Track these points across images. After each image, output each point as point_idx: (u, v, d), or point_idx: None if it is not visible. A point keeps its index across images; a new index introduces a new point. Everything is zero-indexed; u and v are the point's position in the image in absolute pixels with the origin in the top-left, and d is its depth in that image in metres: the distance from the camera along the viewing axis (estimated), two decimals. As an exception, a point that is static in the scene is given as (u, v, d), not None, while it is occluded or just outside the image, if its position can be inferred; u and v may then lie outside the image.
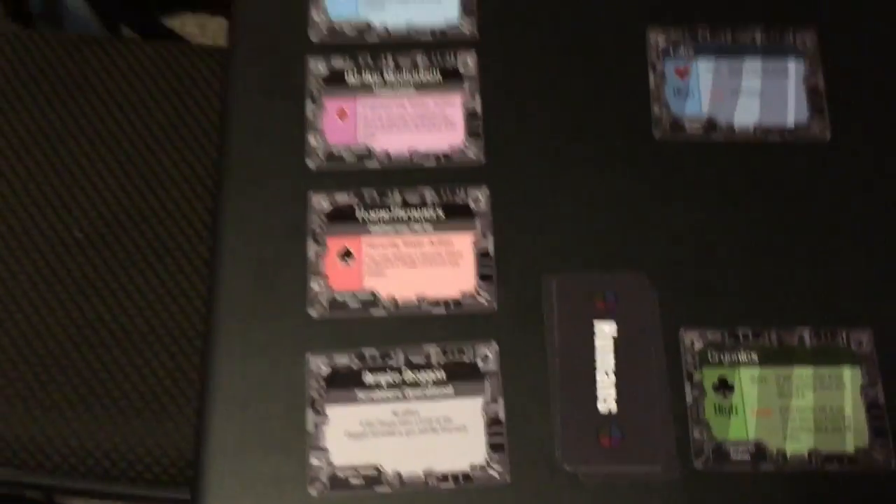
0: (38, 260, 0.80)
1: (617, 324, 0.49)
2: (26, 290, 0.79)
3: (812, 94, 0.55)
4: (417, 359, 0.48)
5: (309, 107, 0.54)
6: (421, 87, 0.55)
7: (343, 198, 0.52)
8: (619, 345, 0.48)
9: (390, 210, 0.51)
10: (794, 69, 0.55)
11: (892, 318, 0.50)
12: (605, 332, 0.48)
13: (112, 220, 0.81)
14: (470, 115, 0.54)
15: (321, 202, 0.51)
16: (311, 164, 0.53)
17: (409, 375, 0.47)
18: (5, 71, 0.90)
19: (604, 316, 0.49)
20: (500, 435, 0.46)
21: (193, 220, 0.82)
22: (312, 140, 0.53)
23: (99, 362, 0.75)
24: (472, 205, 0.52)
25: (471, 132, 0.54)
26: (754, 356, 0.48)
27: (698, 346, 0.49)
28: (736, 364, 0.48)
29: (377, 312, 0.49)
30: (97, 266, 0.80)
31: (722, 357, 0.48)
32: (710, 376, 0.48)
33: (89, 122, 0.85)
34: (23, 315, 0.78)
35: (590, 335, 0.48)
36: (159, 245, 0.81)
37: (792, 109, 0.55)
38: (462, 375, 0.47)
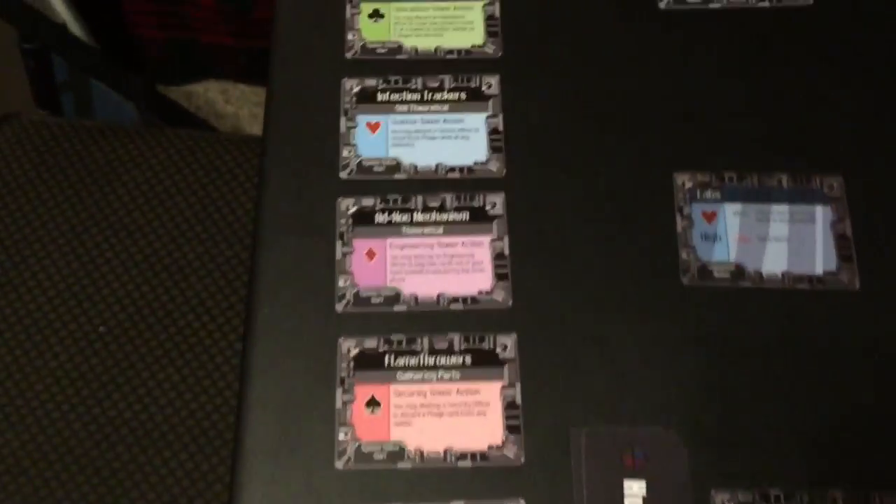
0: (61, 354, 0.81)
1: (647, 482, 0.48)
2: (48, 385, 0.80)
3: (840, 240, 0.55)
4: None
5: (339, 247, 0.54)
6: (449, 226, 0.55)
7: (371, 342, 0.52)
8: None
9: (418, 356, 0.51)
10: (821, 215, 0.56)
11: None
12: (634, 491, 0.48)
13: (136, 315, 0.82)
14: (497, 257, 0.54)
15: (349, 346, 0.52)
16: (338, 307, 0.53)
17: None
18: (32, 158, 0.92)
19: (633, 474, 0.49)
20: None
21: (217, 316, 0.82)
22: (341, 281, 0.53)
23: (119, 461, 0.75)
24: (499, 352, 0.52)
25: (498, 275, 0.54)
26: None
27: (727, 505, 0.48)
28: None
29: (403, 465, 0.49)
30: (120, 361, 0.80)
31: (752, 519, 0.48)
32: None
33: (115, 212, 0.87)
34: (44, 411, 0.79)
35: (619, 494, 0.48)
36: (182, 340, 0.82)
37: (820, 257, 0.55)
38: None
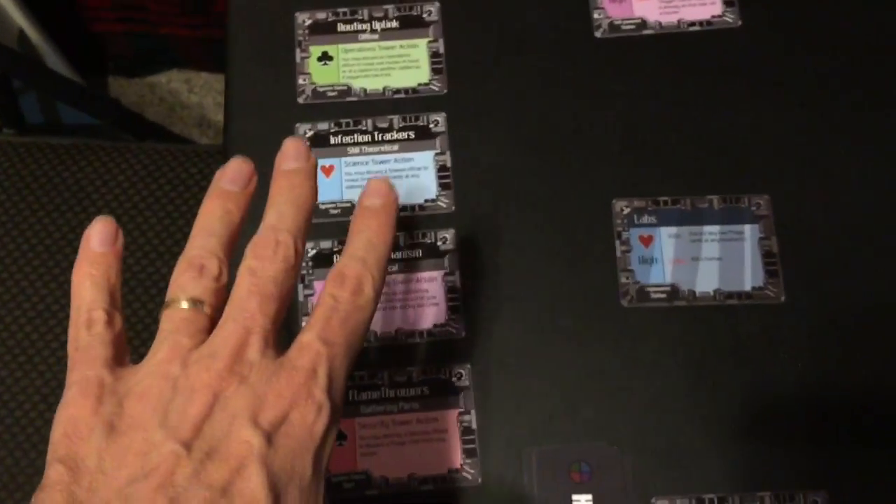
0: (46, 372, 0.85)
1: (593, 495, 0.53)
2: (35, 404, 0.84)
3: (767, 256, 0.59)
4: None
5: (301, 291, 0.58)
6: (404, 263, 0.59)
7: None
8: (595, 514, 0.53)
9: (380, 391, 0.56)
10: (749, 233, 0.60)
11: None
12: (581, 504, 0.53)
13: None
14: (450, 290, 0.58)
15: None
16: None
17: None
18: (1, 181, 0.94)
19: (580, 488, 0.54)
20: None
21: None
22: (305, 324, 0.57)
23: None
24: (455, 381, 0.56)
25: (451, 308, 0.58)
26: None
27: (667, 512, 0.54)
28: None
29: (370, 492, 0.54)
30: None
31: (688, 523, 0.53)
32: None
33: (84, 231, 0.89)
34: (34, 429, 0.82)
35: (567, 507, 0.53)
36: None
37: (749, 273, 0.59)
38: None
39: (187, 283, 0.40)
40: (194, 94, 1.55)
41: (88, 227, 0.43)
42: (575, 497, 0.53)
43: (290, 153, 0.44)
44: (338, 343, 0.39)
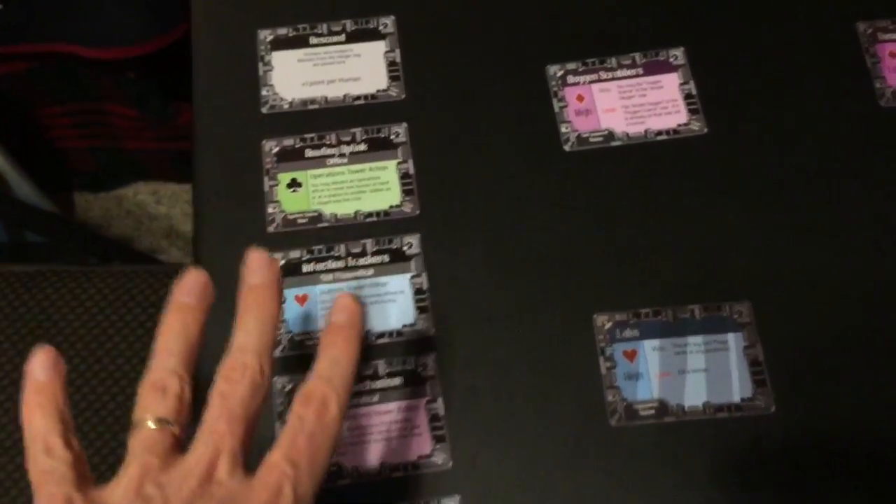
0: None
1: None
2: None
3: (753, 365, 0.58)
4: None
5: (277, 428, 0.56)
6: (384, 393, 0.57)
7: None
8: None
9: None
10: (734, 342, 0.59)
11: None
12: None
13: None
14: (433, 419, 0.56)
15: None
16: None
17: None
18: (-34, 312, 0.91)
19: None
20: None
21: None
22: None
23: None
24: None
25: (436, 437, 0.56)
26: None
27: None
28: None
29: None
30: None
31: None
32: None
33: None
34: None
35: None
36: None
37: (737, 384, 0.58)
38: None
39: (152, 404, 0.42)
40: (162, 205, 1.54)
41: (28, 361, 0.44)
42: None
43: (254, 266, 0.46)
44: (304, 462, 0.41)
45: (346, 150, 0.64)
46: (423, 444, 0.56)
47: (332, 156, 0.64)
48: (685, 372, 0.58)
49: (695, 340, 0.59)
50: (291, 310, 0.59)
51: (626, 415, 0.57)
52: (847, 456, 0.56)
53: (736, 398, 0.58)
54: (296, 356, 0.58)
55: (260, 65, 0.67)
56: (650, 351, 0.59)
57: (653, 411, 0.57)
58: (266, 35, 0.68)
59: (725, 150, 0.65)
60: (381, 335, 0.59)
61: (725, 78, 0.67)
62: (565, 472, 0.56)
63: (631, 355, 0.59)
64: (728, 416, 0.57)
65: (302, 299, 0.59)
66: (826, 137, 0.65)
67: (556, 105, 0.66)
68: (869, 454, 0.56)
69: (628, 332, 0.59)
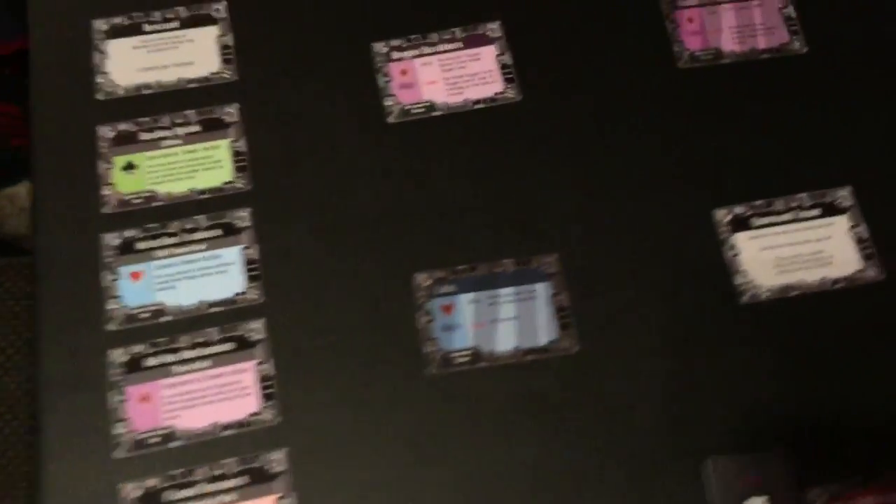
0: None
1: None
2: None
3: (559, 311, 0.64)
4: None
5: (112, 399, 0.59)
6: (216, 359, 0.61)
7: (152, 482, 0.57)
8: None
9: (195, 487, 0.57)
10: (542, 291, 0.64)
11: None
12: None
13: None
14: (263, 379, 0.61)
15: (131, 491, 0.57)
16: (118, 454, 0.58)
17: None
18: None
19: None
20: None
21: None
22: (119, 429, 0.59)
23: None
24: (272, 468, 0.58)
25: (266, 395, 0.60)
26: None
27: None
28: None
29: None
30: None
31: None
32: None
33: None
34: None
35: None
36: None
37: (543, 329, 0.63)
38: None
39: None
40: (15, 207, 1.54)
41: None
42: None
43: None
44: None
45: (181, 131, 0.67)
46: (252, 403, 0.60)
47: (167, 137, 0.67)
48: (497, 321, 0.63)
49: (507, 292, 0.64)
50: (126, 287, 0.62)
51: (442, 363, 0.62)
52: (645, 388, 0.62)
53: (543, 341, 0.63)
54: (131, 329, 0.61)
55: (95, 53, 0.70)
56: (466, 304, 0.64)
57: (467, 359, 0.62)
58: (101, 24, 0.71)
59: (538, 116, 0.70)
60: (215, 304, 0.62)
61: (539, 48, 0.71)
62: (387, 421, 0.60)
63: (448, 309, 0.63)
64: (536, 358, 0.62)
65: (137, 275, 0.63)
66: (630, 100, 0.70)
67: (381, 80, 0.70)
68: (663, 385, 0.62)
69: (446, 288, 0.64)
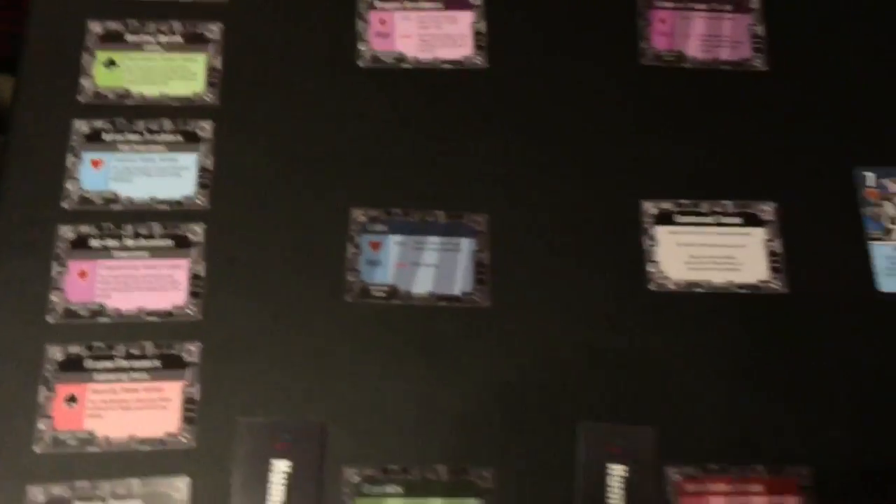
0: None
1: (292, 462, 0.61)
2: None
3: (479, 266, 0.68)
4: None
5: (54, 268, 0.65)
6: (154, 252, 0.66)
7: (75, 349, 0.63)
8: (291, 480, 0.61)
9: (114, 360, 0.63)
10: (466, 245, 0.69)
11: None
12: (280, 468, 0.61)
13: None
14: (194, 277, 0.66)
15: (55, 353, 0.63)
16: (50, 318, 0.64)
17: None
18: None
19: (281, 455, 0.61)
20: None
21: None
22: (54, 297, 0.64)
23: None
24: (185, 358, 0.64)
25: (193, 293, 0.65)
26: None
27: (356, 479, 0.61)
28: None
29: (92, 449, 0.61)
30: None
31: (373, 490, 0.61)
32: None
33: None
34: None
35: (267, 470, 0.61)
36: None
37: (460, 280, 0.68)
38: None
39: None
40: None
41: None
42: (274, 461, 0.61)
43: None
44: None
45: (164, 39, 0.72)
46: (180, 297, 0.65)
47: (150, 43, 0.72)
48: (419, 265, 0.68)
49: (433, 240, 0.69)
50: (86, 172, 0.67)
51: (360, 293, 0.67)
52: (543, 352, 0.66)
53: (457, 291, 0.67)
54: (85, 210, 0.67)
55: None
56: (393, 244, 0.68)
57: (384, 294, 0.67)
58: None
59: (498, 86, 0.74)
60: (163, 202, 0.67)
61: (514, 22, 0.75)
62: (300, 335, 0.65)
63: (375, 245, 0.68)
64: (447, 305, 0.67)
65: (97, 163, 0.68)
66: (587, 86, 0.74)
67: (360, 25, 0.75)
68: (559, 351, 0.66)
69: (378, 227, 0.69)
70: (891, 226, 0.72)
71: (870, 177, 0.73)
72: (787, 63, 0.76)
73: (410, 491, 0.62)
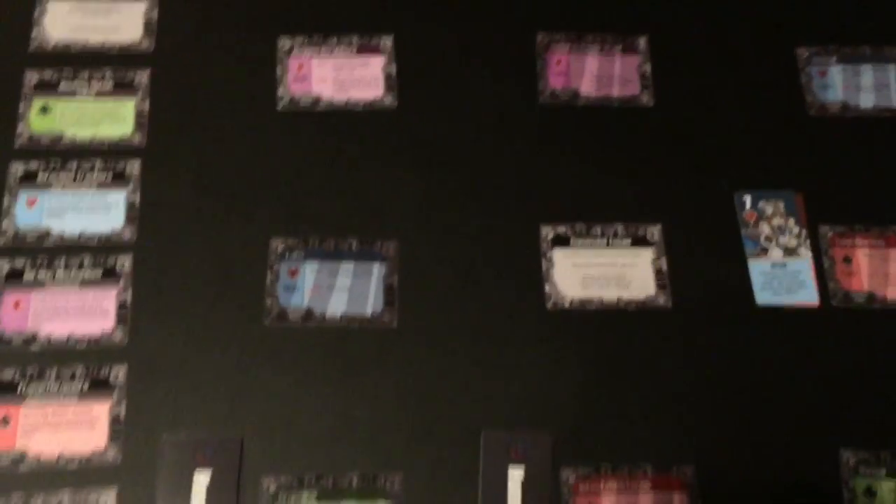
0: None
1: (212, 470, 0.66)
2: None
3: (388, 290, 0.74)
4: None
5: (-11, 299, 0.70)
6: (84, 282, 0.71)
7: (8, 374, 0.68)
8: (212, 491, 0.66)
9: (45, 384, 0.68)
10: (377, 270, 0.75)
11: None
12: (200, 481, 0.66)
13: None
14: (120, 307, 0.71)
15: (-10, 378, 0.67)
16: (-15, 347, 0.69)
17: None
18: None
19: (202, 468, 0.66)
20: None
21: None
22: (-11, 326, 0.69)
23: None
24: (111, 380, 0.68)
25: (120, 319, 0.70)
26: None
27: (273, 488, 0.66)
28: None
29: (24, 468, 0.65)
30: None
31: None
32: None
33: None
34: None
35: (189, 483, 0.66)
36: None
37: (371, 302, 0.74)
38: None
39: None
40: None
41: None
42: (196, 474, 0.66)
43: None
44: None
45: (96, 86, 0.78)
46: (108, 324, 0.70)
47: (83, 89, 0.78)
48: (333, 289, 0.74)
49: (347, 266, 0.75)
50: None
51: (278, 317, 0.72)
52: (446, 366, 0.72)
53: (368, 313, 0.73)
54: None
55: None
56: (309, 271, 0.74)
57: (300, 316, 0.73)
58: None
59: (407, 124, 0.80)
60: (92, 237, 0.73)
61: (421, 64, 0.82)
62: (222, 358, 0.71)
63: (293, 272, 0.74)
64: (358, 326, 0.73)
65: (32, 202, 0.73)
66: (490, 123, 0.81)
67: (279, 71, 0.81)
68: (462, 366, 0.72)
69: (296, 255, 0.75)
70: (766, 244, 0.79)
71: (748, 200, 0.80)
72: (671, 98, 0.83)
73: (324, 497, 0.67)
